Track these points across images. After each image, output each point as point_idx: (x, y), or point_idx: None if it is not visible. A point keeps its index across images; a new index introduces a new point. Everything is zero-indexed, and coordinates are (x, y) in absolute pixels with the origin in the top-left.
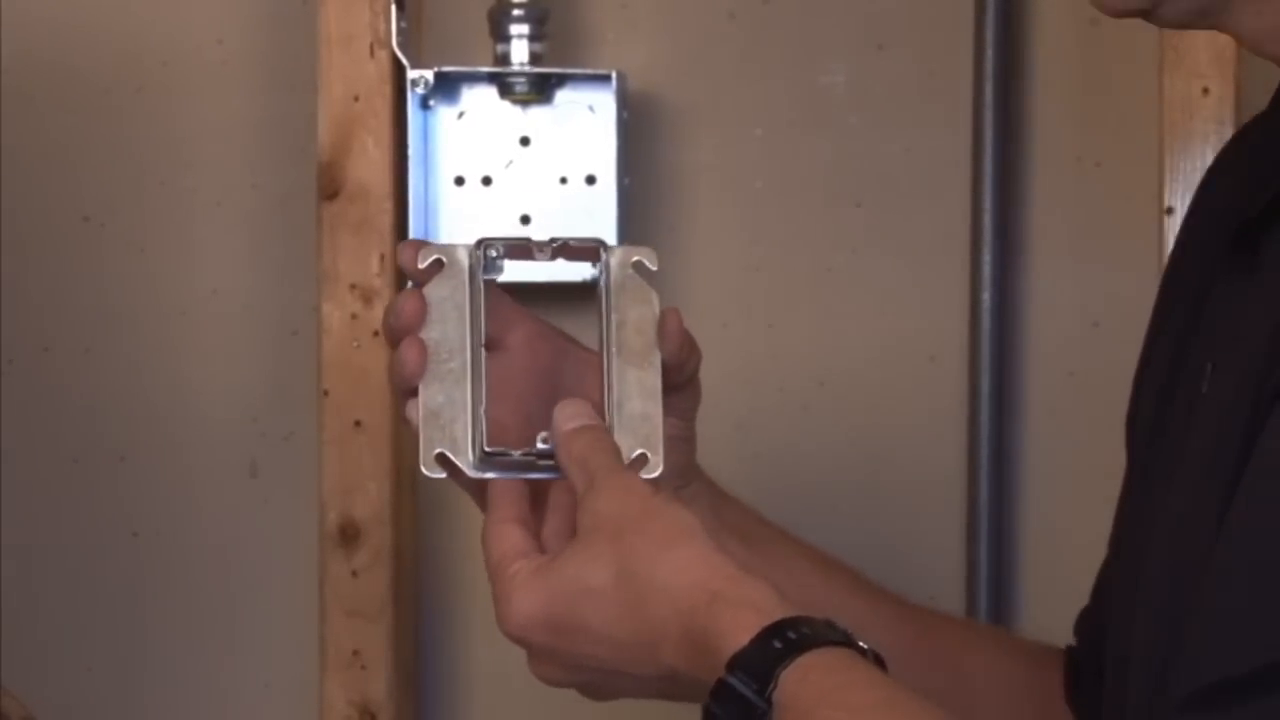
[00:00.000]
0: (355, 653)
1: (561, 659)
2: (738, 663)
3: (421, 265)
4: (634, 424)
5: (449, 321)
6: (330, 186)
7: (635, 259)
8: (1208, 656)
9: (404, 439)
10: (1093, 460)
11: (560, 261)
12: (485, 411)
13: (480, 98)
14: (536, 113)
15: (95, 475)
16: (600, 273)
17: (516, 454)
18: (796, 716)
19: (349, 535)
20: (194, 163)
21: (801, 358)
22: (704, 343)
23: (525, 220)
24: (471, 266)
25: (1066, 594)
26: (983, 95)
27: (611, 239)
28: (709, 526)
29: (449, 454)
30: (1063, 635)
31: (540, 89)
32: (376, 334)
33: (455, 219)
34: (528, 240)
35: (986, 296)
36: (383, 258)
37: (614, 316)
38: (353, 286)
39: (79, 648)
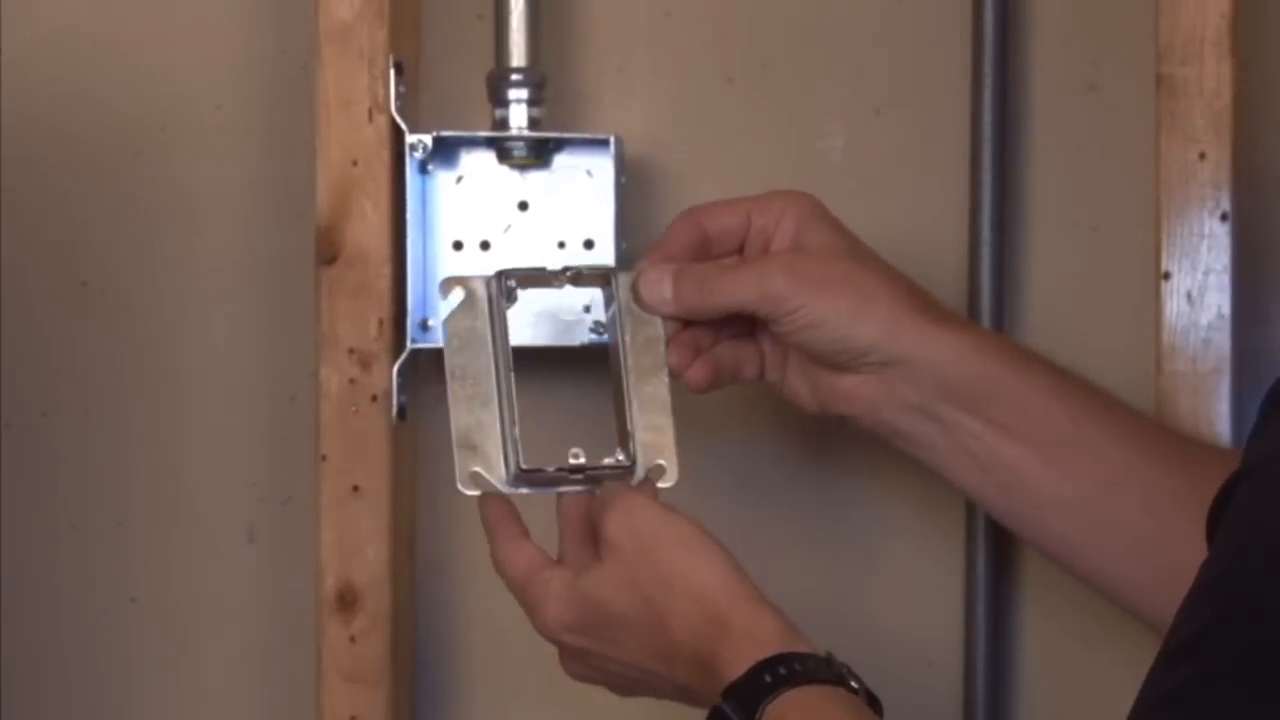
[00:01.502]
0: (353, 718)
1: (590, 661)
2: (731, 692)
3: (443, 298)
4: (648, 437)
5: (471, 349)
6: (328, 251)
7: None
8: None
9: (402, 504)
10: (1090, 650)
11: (542, 326)
12: (519, 432)
13: (478, 162)
14: (534, 177)
15: (93, 540)
16: (612, 297)
17: (550, 469)
18: None
19: (347, 600)
20: (192, 227)
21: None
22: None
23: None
24: (492, 296)
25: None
26: (980, 159)
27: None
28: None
29: (483, 472)
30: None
31: (538, 154)
32: (375, 399)
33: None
34: (544, 270)
35: None
36: (381, 322)
37: (625, 338)
38: (351, 351)
39: (76, 712)
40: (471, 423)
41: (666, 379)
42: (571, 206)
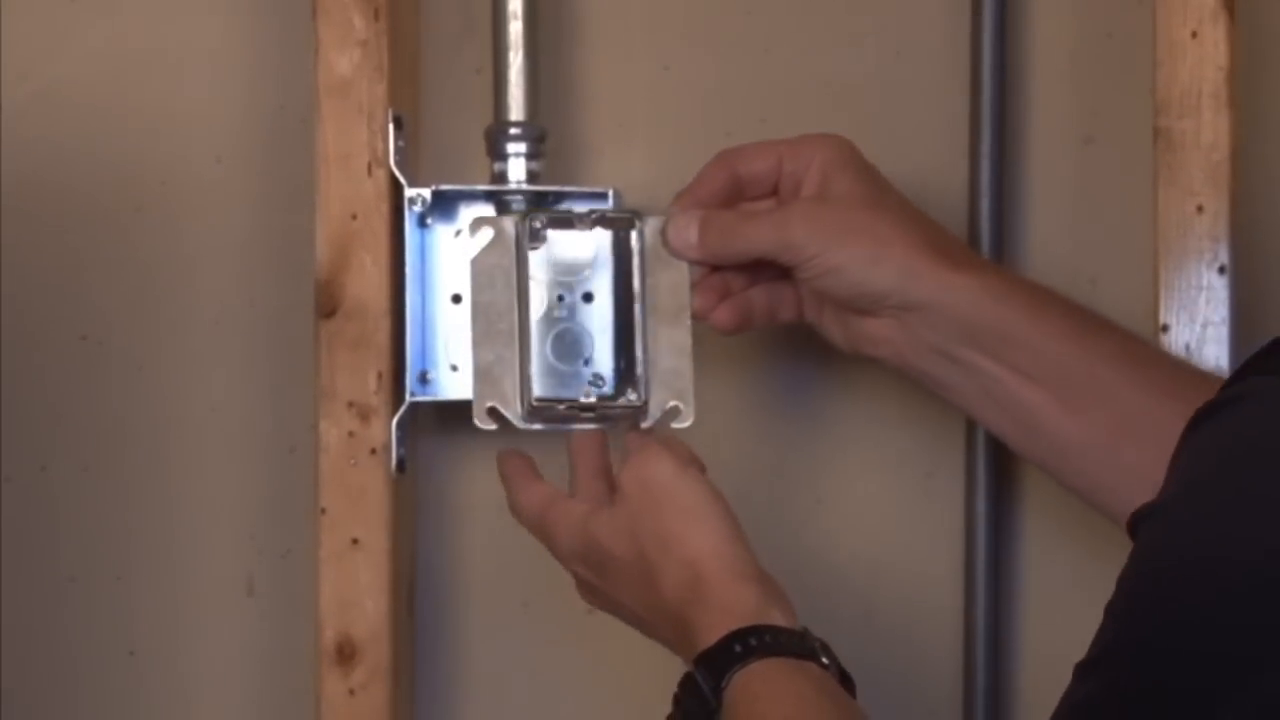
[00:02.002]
0: None
1: (596, 593)
2: (702, 660)
3: (472, 235)
4: (667, 378)
5: (497, 287)
6: (328, 304)
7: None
8: None
9: (401, 557)
10: (1090, 581)
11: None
12: (534, 369)
13: (478, 215)
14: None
15: (92, 593)
16: (636, 240)
17: (562, 406)
18: (732, 714)
19: (346, 653)
20: (192, 281)
21: (800, 478)
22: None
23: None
24: (518, 236)
25: None
26: (978, 212)
27: (608, 357)
28: None
29: (499, 407)
30: None
31: (537, 207)
32: (374, 451)
33: (453, 336)
34: (570, 212)
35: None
36: (380, 375)
37: (648, 280)
38: (350, 404)
39: None
40: (492, 359)
41: (689, 323)
42: (571, 259)
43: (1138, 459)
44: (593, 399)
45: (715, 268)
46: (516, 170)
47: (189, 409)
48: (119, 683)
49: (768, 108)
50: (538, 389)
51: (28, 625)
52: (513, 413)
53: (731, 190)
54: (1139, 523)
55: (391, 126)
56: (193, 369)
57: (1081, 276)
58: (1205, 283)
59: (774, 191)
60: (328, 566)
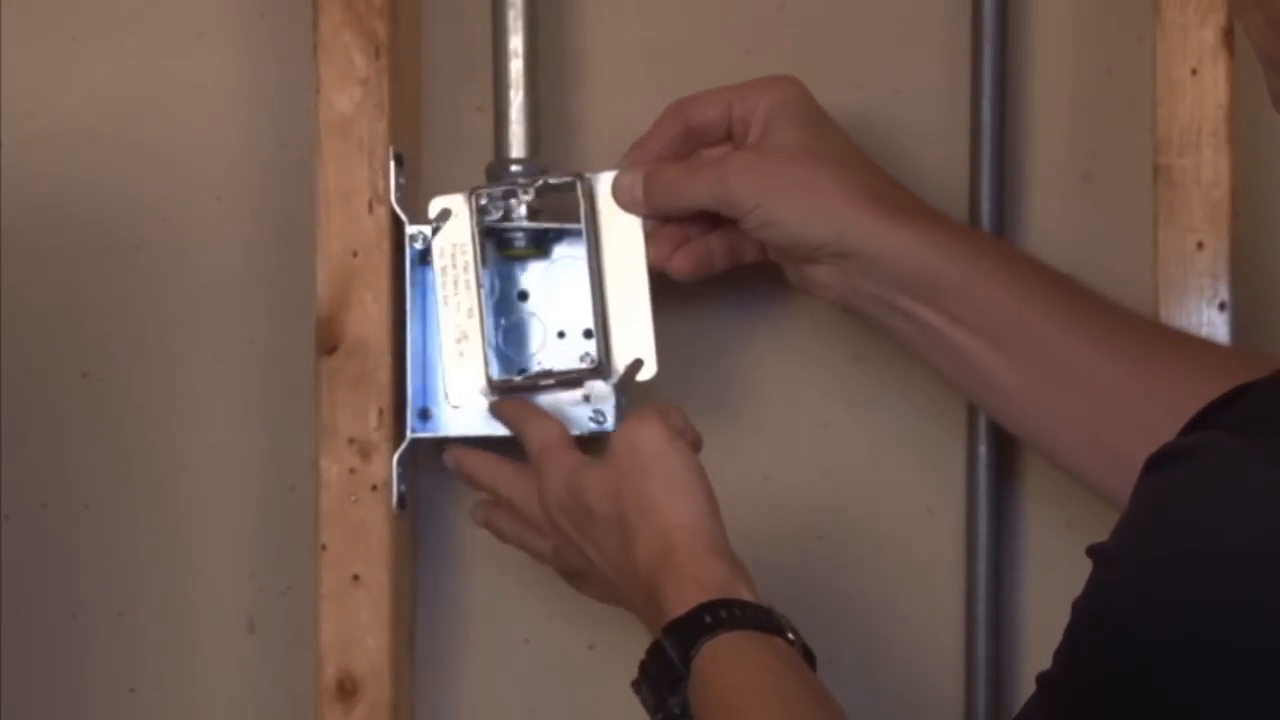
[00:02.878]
0: None
1: (573, 553)
2: (672, 629)
3: (431, 215)
4: (628, 332)
5: (459, 265)
6: (328, 341)
7: (616, 177)
8: None
9: (402, 593)
10: None
11: None
12: (494, 344)
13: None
14: (534, 267)
15: (93, 631)
16: (583, 199)
17: (518, 378)
18: (701, 681)
19: (347, 690)
20: (192, 318)
21: (799, 510)
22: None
23: (522, 373)
24: (471, 212)
25: None
26: None
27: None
28: None
29: (468, 384)
30: None
31: (538, 244)
32: (375, 488)
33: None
34: (514, 181)
35: (983, 450)
36: (381, 412)
37: (602, 236)
38: (351, 441)
39: None
40: (459, 335)
41: (645, 276)
42: (571, 297)
43: (1067, 403)
44: (547, 366)
45: (668, 219)
46: (516, 207)
47: (190, 446)
48: None
49: None
50: (495, 370)
51: (29, 662)
52: (480, 390)
53: (684, 139)
54: (1093, 557)
55: (392, 164)
56: (194, 406)
57: None
58: (1205, 319)
59: (728, 137)
60: (328, 603)
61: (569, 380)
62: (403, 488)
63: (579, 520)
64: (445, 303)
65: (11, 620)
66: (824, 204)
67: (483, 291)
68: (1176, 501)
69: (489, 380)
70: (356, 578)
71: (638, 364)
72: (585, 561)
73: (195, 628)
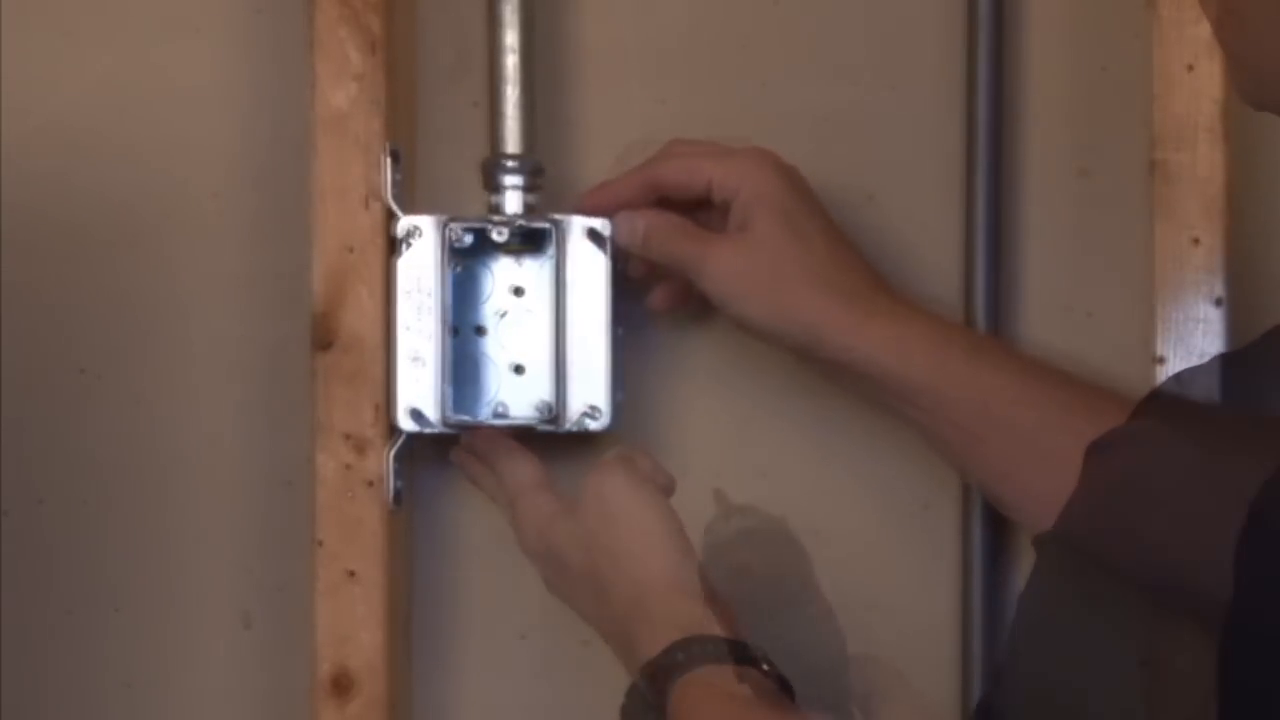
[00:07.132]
0: None
1: (559, 593)
2: (646, 669)
3: (400, 235)
4: (585, 379)
5: (424, 289)
6: (324, 337)
7: (589, 226)
8: None
9: (398, 589)
10: None
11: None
12: (449, 372)
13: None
14: (530, 263)
15: (89, 626)
16: (553, 243)
17: (473, 422)
18: (674, 716)
19: (342, 686)
20: (189, 314)
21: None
22: (696, 495)
23: (519, 370)
24: (441, 239)
25: None
26: (973, 245)
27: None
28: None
29: (423, 411)
30: None
31: (533, 240)
32: (370, 484)
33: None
34: (487, 219)
35: None
36: (376, 408)
37: (567, 280)
38: (346, 437)
39: None
40: (415, 360)
41: (607, 322)
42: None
43: (1040, 482)
44: (504, 412)
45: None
46: (513, 202)
47: (186, 442)
48: (116, 715)
49: (763, 141)
50: (449, 409)
51: (25, 658)
52: (436, 418)
53: (653, 190)
54: (1037, 546)
55: (388, 160)
56: (189, 402)
57: (1077, 309)
58: (1201, 315)
59: (706, 203)
60: (324, 599)
61: (520, 427)
62: (398, 483)
63: (555, 570)
64: (407, 329)
65: (8, 616)
66: (795, 312)
67: (442, 327)
68: (1112, 486)
69: (443, 417)
70: (352, 573)
71: (594, 412)
72: (568, 601)
73: (191, 623)
